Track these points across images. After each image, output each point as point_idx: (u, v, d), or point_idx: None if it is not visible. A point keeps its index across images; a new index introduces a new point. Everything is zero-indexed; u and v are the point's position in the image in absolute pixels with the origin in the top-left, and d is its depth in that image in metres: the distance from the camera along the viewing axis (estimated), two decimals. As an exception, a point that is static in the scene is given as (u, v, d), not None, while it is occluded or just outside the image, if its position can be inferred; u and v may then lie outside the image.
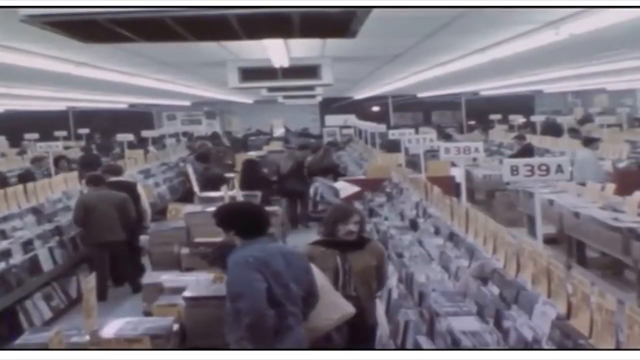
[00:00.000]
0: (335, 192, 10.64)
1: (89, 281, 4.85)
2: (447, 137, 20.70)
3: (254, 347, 4.68)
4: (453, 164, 12.14)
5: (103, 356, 3.69)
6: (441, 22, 8.53)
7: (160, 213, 11.36)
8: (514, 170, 6.11)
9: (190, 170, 11.62)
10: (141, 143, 21.54)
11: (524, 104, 31.62)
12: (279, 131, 26.85)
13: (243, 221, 5.07)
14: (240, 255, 4.88)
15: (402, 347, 5.58)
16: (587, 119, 25.45)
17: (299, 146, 16.84)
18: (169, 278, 6.27)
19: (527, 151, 15.86)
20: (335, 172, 12.03)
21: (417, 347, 5.23)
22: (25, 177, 13.31)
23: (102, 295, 8.77)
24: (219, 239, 7.41)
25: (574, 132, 19.34)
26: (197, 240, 7.62)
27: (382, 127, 18.84)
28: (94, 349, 4.50)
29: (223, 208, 5.54)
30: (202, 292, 5.58)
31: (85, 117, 30.56)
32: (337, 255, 5.58)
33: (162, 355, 4.01)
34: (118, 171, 11.51)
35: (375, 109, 34.11)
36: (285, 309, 4.85)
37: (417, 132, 15.00)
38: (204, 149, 16.66)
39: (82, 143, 23.90)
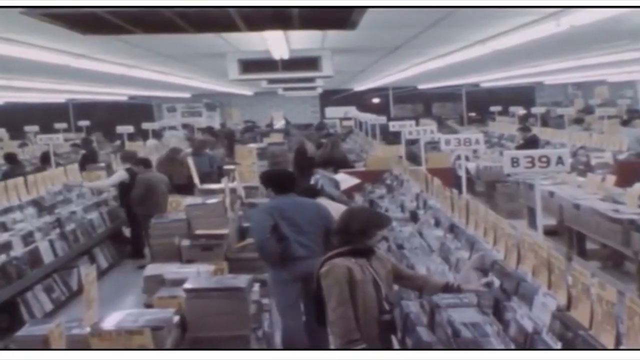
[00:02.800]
0: (336, 184, 10.64)
1: (90, 273, 4.85)
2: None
3: (266, 263, 6.78)
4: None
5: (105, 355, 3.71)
6: (441, 13, 8.52)
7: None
8: (515, 162, 6.10)
9: (191, 162, 11.62)
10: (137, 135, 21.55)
11: (524, 95, 31.60)
12: (279, 123, 26.83)
13: (272, 182, 7.09)
14: (264, 205, 7.16)
15: (403, 339, 5.59)
16: (587, 111, 25.45)
17: (326, 135, 17.19)
18: (169, 270, 6.27)
19: (533, 142, 15.86)
20: (341, 164, 12.08)
21: (418, 339, 5.24)
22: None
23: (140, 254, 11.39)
24: (219, 232, 7.48)
25: (578, 122, 19.36)
26: (198, 232, 7.63)
27: (382, 119, 18.82)
28: (96, 349, 4.50)
29: (264, 172, 7.87)
30: (203, 283, 5.59)
31: (85, 109, 30.54)
32: (368, 265, 4.98)
33: (163, 355, 4.02)
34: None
35: (376, 100, 34.08)
36: (290, 242, 6.60)
37: (417, 123, 15.01)
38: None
39: (83, 135, 23.85)
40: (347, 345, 4.79)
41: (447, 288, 5.29)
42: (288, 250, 6.62)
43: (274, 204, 6.89)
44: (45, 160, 14.20)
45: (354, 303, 4.85)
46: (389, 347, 5.19)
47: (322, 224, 6.66)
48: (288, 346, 6.78)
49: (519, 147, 15.51)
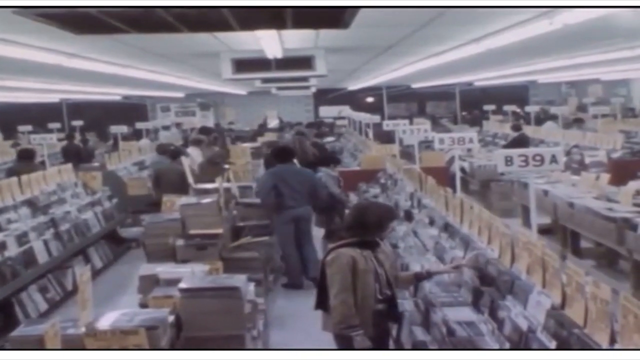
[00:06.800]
0: (338, 182, 10.76)
1: (84, 273, 4.84)
2: None
3: (267, 211, 9.26)
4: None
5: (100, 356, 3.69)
6: (435, 12, 8.52)
7: (154, 205, 11.37)
8: (508, 160, 6.11)
9: (185, 162, 11.62)
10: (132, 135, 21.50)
11: (518, 94, 31.60)
12: (273, 122, 26.82)
13: (274, 155, 9.97)
14: (268, 171, 10.04)
15: (398, 338, 5.59)
16: (581, 109, 25.49)
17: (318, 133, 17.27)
18: (164, 270, 6.26)
19: (521, 141, 15.87)
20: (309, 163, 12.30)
21: (413, 338, 5.25)
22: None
23: None
24: (213, 231, 7.47)
25: (579, 122, 19.38)
26: (192, 231, 7.62)
27: (376, 118, 18.83)
28: (92, 348, 4.49)
29: (271, 150, 10.80)
30: (198, 283, 5.58)
31: (78, 109, 30.49)
32: (372, 256, 5.21)
33: (158, 355, 4.01)
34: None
35: (370, 99, 34.09)
36: (284, 197, 9.30)
37: (411, 122, 15.02)
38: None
39: (77, 135, 23.79)
40: (346, 330, 5.02)
41: (418, 277, 5.64)
42: (283, 202, 9.30)
43: (275, 170, 9.67)
44: (26, 157, 13.67)
45: (354, 291, 5.07)
46: (383, 335, 5.32)
47: (309, 184, 9.55)
48: (288, 268, 9.55)
49: (506, 146, 15.55)
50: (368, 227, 5.27)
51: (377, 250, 5.28)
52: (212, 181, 9.42)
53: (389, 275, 5.25)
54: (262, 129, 23.56)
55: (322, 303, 5.28)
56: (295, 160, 10.33)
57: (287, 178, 9.42)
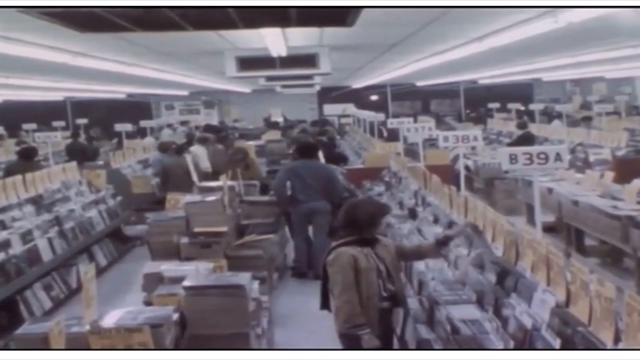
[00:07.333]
0: (345, 177, 10.92)
1: (89, 271, 4.85)
2: None
3: (279, 206, 9.75)
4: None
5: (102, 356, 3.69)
6: (439, 10, 8.52)
7: (158, 203, 11.39)
8: (513, 158, 6.11)
9: (189, 159, 11.63)
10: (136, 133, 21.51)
11: (522, 92, 31.52)
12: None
13: (296, 150, 10.26)
14: (283, 167, 10.61)
15: (402, 336, 5.60)
16: (585, 107, 25.43)
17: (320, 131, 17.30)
18: (168, 268, 6.27)
19: (526, 139, 15.84)
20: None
21: (417, 336, 5.25)
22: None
23: None
24: (218, 229, 7.47)
25: (587, 120, 19.34)
26: (197, 229, 7.63)
27: (380, 116, 18.82)
28: (96, 347, 4.50)
29: (297, 144, 10.86)
30: (202, 281, 5.59)
31: (83, 107, 30.51)
32: (372, 253, 5.21)
33: (163, 355, 4.02)
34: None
35: (374, 97, 34.07)
36: (297, 192, 9.54)
37: (415, 120, 15.02)
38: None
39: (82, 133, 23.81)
40: (353, 329, 4.99)
41: (439, 244, 5.64)
42: (294, 196, 9.59)
43: (290, 165, 10.16)
44: (23, 156, 13.58)
45: (358, 290, 5.06)
46: (387, 333, 5.31)
47: (324, 179, 9.68)
48: (297, 256, 9.87)
49: (511, 144, 15.54)
50: (360, 224, 5.27)
51: (377, 246, 5.28)
52: (235, 177, 10.01)
53: (390, 270, 5.25)
54: (269, 125, 23.54)
55: (327, 303, 5.28)
56: (320, 156, 10.49)
57: (300, 173, 9.63)
